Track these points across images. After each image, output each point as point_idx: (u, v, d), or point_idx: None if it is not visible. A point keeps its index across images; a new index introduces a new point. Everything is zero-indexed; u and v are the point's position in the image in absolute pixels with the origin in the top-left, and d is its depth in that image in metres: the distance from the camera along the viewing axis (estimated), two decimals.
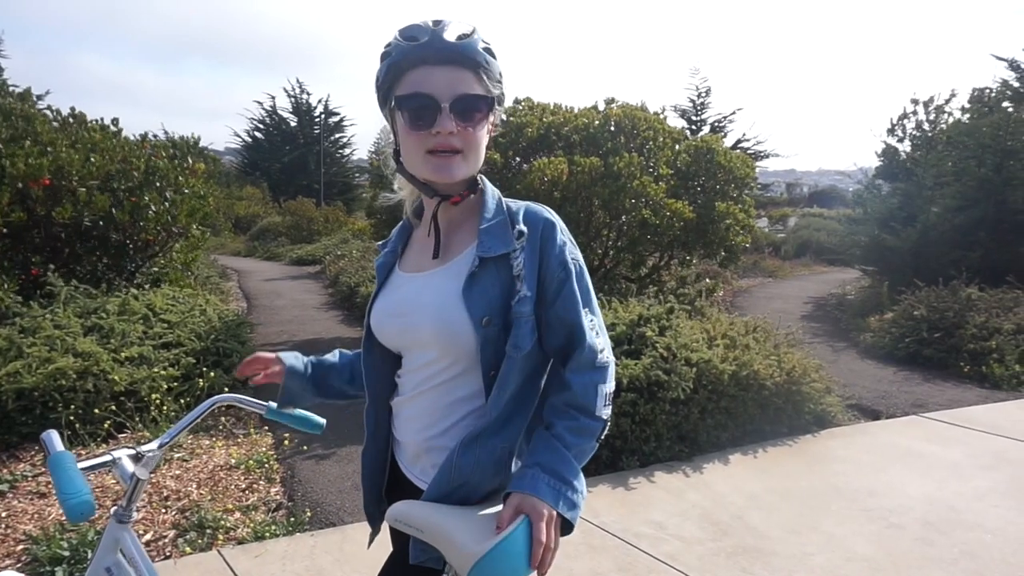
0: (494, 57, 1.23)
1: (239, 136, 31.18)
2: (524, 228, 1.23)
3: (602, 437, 1.26)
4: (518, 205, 1.29)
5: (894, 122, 11.69)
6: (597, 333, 1.26)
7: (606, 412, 1.25)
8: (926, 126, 11.40)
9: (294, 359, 1.55)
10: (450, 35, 1.17)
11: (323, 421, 1.63)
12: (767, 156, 23.66)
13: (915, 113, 11.49)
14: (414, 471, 1.34)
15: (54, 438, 1.37)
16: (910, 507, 3.56)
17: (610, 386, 1.26)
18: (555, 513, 1.17)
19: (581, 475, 1.24)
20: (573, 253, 1.27)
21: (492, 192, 1.31)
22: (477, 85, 1.20)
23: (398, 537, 1.34)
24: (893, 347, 7.17)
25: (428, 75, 1.18)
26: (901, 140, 11.67)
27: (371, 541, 1.49)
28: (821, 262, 16.80)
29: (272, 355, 1.56)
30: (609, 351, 1.28)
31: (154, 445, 1.49)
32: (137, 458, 1.46)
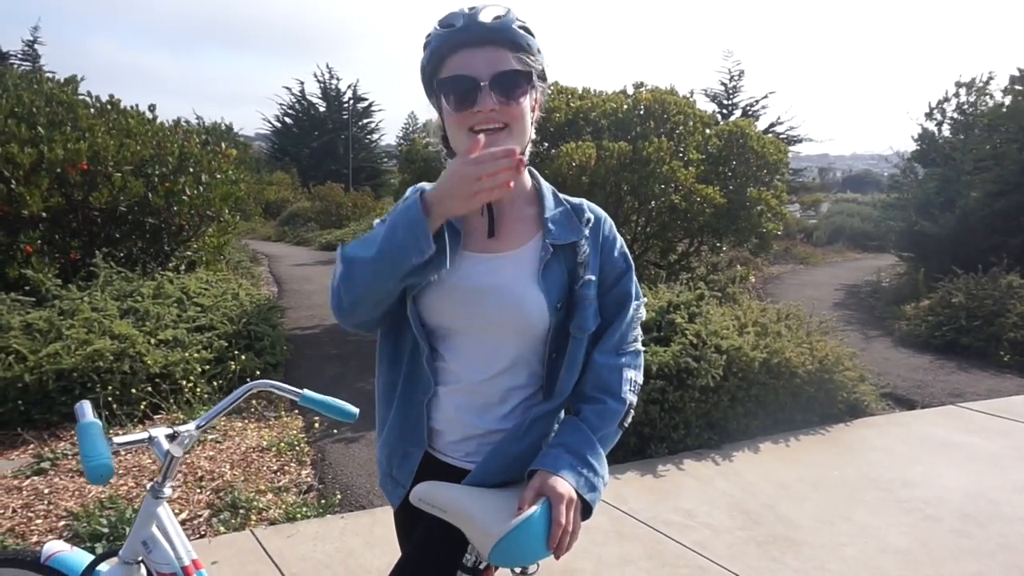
0: (531, 34, 1.24)
1: (269, 122, 31.47)
2: (591, 217, 1.34)
3: (625, 424, 1.31)
4: (575, 199, 1.37)
5: (933, 105, 11.36)
6: (634, 322, 1.36)
7: (631, 397, 1.31)
8: (967, 108, 11.05)
9: None
10: (485, 17, 1.21)
11: (356, 411, 1.61)
12: (800, 141, 23.16)
13: (957, 95, 11.13)
14: (456, 454, 1.33)
15: (86, 408, 1.44)
16: (947, 499, 3.49)
17: (636, 374, 1.33)
18: (575, 496, 1.19)
19: (604, 460, 1.27)
20: (625, 248, 1.38)
21: (546, 184, 1.37)
22: (515, 62, 1.22)
23: (414, 523, 1.31)
24: (929, 335, 7.02)
25: (468, 57, 1.20)
26: (940, 124, 11.33)
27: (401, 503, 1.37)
28: (855, 248, 16.47)
29: None
30: (639, 342, 1.37)
31: (191, 426, 1.53)
32: (173, 437, 1.51)
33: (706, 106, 17.88)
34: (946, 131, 11.31)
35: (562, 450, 1.23)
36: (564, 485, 1.18)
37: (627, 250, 1.37)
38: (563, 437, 1.26)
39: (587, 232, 1.31)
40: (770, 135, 8.60)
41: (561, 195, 1.38)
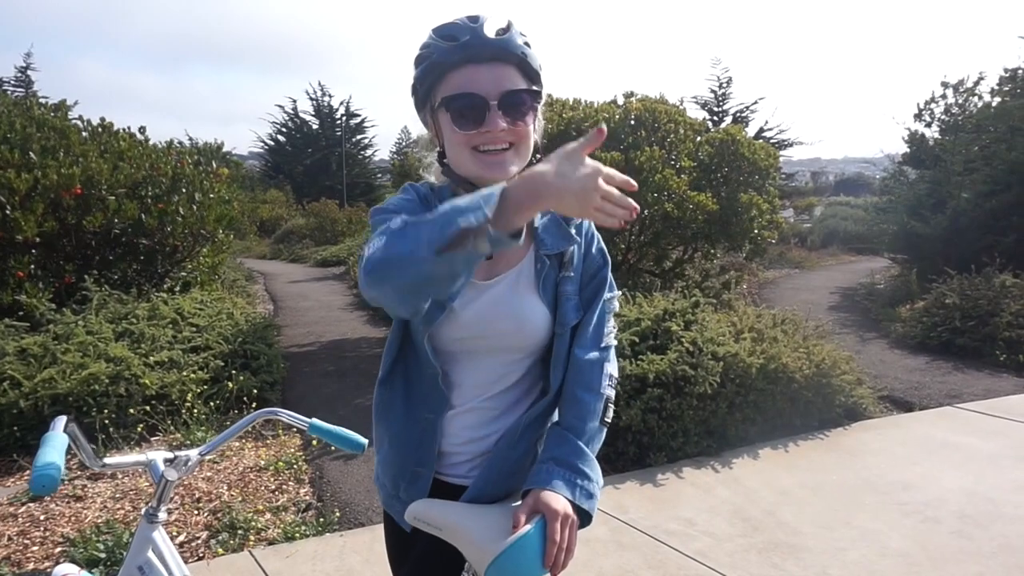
0: (531, 48, 1.21)
1: (262, 140, 31.56)
2: (579, 222, 1.33)
3: (607, 419, 1.31)
4: None
5: (922, 107, 11.42)
6: (608, 314, 1.36)
7: (609, 391, 1.31)
8: (955, 110, 11.12)
9: None
10: (489, 31, 1.16)
11: (365, 441, 1.58)
12: (791, 145, 23.35)
13: (944, 97, 11.20)
14: (460, 471, 1.31)
15: (59, 423, 1.40)
16: (946, 500, 3.49)
17: (612, 368, 1.34)
18: (571, 512, 1.18)
19: (596, 464, 1.27)
20: (602, 244, 1.38)
21: None
22: (521, 80, 1.19)
23: (413, 541, 1.31)
24: (925, 337, 7.03)
25: (474, 74, 1.16)
26: (929, 125, 11.39)
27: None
28: (849, 251, 16.53)
29: None
30: (613, 335, 1.37)
31: (193, 452, 1.53)
32: (172, 461, 1.50)
33: (696, 113, 17.99)
34: (935, 132, 11.37)
35: (552, 464, 1.22)
36: (559, 501, 1.17)
37: (603, 245, 1.38)
38: (551, 451, 1.24)
39: (573, 233, 1.31)
40: (760, 140, 8.65)
41: None
